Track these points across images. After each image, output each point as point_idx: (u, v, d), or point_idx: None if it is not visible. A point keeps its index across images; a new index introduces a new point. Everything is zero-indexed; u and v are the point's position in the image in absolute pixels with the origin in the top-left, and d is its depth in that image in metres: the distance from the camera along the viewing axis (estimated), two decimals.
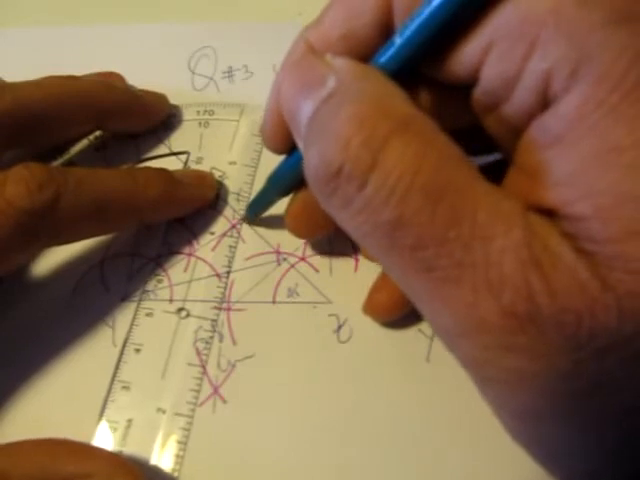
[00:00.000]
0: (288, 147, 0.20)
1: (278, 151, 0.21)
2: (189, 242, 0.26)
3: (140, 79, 0.30)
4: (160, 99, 0.29)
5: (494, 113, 0.16)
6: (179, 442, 0.21)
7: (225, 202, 0.26)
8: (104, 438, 0.21)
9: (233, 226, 0.26)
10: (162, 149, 0.28)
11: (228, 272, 0.25)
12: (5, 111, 0.23)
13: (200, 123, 0.29)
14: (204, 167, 0.27)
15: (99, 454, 0.19)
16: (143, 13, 0.34)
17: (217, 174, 0.27)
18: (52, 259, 0.25)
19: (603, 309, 0.12)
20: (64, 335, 0.23)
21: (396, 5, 0.16)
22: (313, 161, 0.15)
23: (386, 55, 0.16)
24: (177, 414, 0.22)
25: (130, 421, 0.22)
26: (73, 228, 0.22)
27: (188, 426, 0.21)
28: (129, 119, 0.28)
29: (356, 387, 0.22)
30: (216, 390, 0.22)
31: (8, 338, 0.24)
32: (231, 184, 0.27)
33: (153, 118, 0.28)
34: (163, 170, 0.25)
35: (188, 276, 0.25)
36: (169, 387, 0.22)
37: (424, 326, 0.23)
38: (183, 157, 0.28)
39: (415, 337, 0.23)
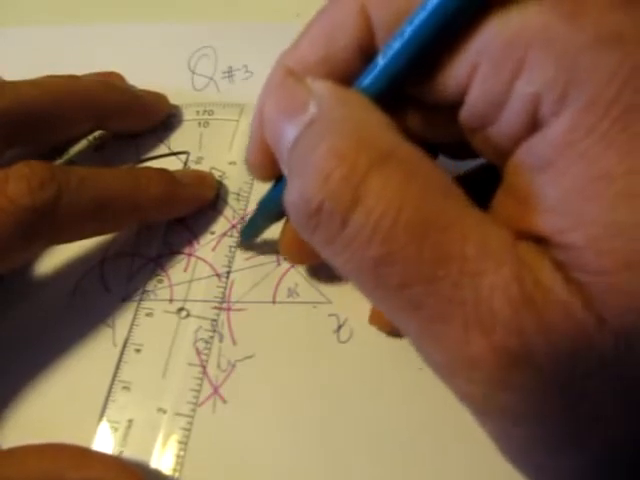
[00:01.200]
0: (275, 174, 0.20)
1: (265, 179, 0.20)
2: (189, 242, 0.26)
3: (140, 79, 0.30)
4: (160, 99, 0.29)
5: (481, 134, 0.15)
6: (180, 442, 0.21)
7: (225, 202, 0.26)
8: (105, 438, 0.21)
9: (233, 226, 0.26)
10: (162, 149, 0.28)
11: (228, 272, 0.25)
12: (5, 110, 0.23)
13: (200, 123, 0.29)
14: (204, 167, 0.27)
15: (101, 459, 0.19)
16: (143, 13, 0.34)
17: (217, 174, 0.27)
18: (52, 259, 0.25)
19: (600, 346, 0.12)
20: (64, 335, 0.23)
21: (377, 26, 0.16)
22: (293, 197, 0.14)
23: (369, 77, 0.16)
24: (178, 414, 0.22)
25: (131, 421, 0.22)
26: (74, 227, 0.22)
27: (189, 426, 0.21)
28: (129, 119, 0.28)
29: (356, 387, 0.22)
30: (216, 390, 0.22)
31: (8, 338, 0.24)
32: (231, 184, 0.27)
33: (153, 118, 0.28)
34: (164, 170, 0.25)
35: (188, 276, 0.25)
36: (170, 387, 0.22)
37: None
38: (183, 157, 0.28)
39: None
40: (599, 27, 0.13)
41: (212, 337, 0.23)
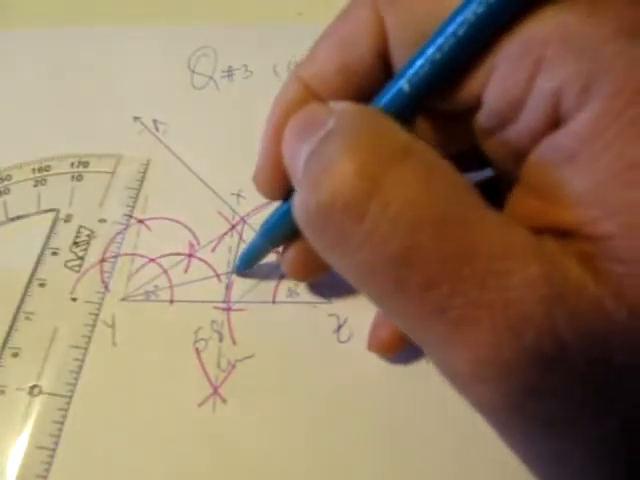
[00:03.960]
0: (282, 193, 0.19)
1: (272, 197, 0.20)
2: (189, 242, 0.26)
3: (140, 78, 0.30)
4: None
5: (497, 135, 0.15)
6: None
7: (225, 203, 0.26)
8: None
9: (233, 226, 0.26)
10: (32, 206, 0.27)
11: (228, 272, 0.25)
12: None
13: (73, 176, 0.28)
14: (73, 225, 0.26)
15: None
16: (144, 14, 0.34)
17: (85, 232, 0.26)
18: (52, 259, 0.25)
19: (634, 337, 0.11)
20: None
21: (391, 33, 0.16)
22: (302, 195, 0.13)
23: (394, 102, 0.15)
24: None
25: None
26: None
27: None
28: None
29: (356, 387, 0.22)
30: (216, 390, 0.22)
31: None
32: (100, 242, 0.26)
33: None
34: None
35: (188, 276, 0.25)
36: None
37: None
38: (52, 215, 0.27)
39: None
40: (619, 21, 0.13)
41: (212, 337, 0.23)
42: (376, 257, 0.13)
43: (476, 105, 0.15)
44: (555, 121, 0.13)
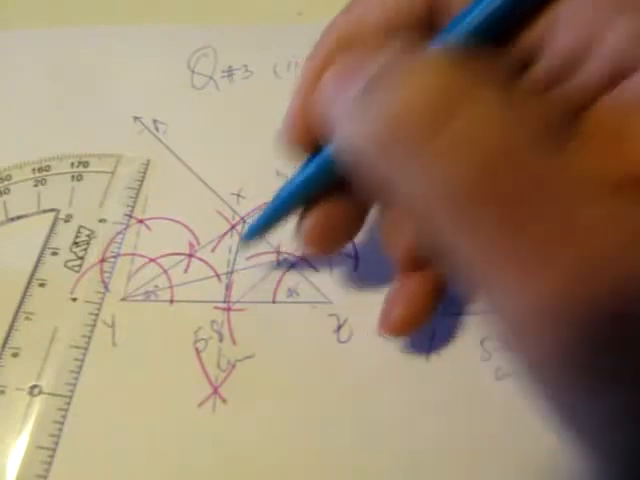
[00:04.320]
0: (308, 145, 0.18)
1: (298, 145, 0.19)
2: (189, 242, 0.26)
3: (140, 78, 0.30)
4: None
5: (556, 89, 0.14)
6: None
7: (225, 203, 0.26)
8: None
9: (233, 226, 0.26)
10: (32, 206, 0.27)
11: (228, 272, 0.25)
12: None
13: (73, 177, 0.28)
14: (73, 225, 0.26)
15: None
16: (143, 15, 0.34)
17: (85, 232, 0.26)
18: (52, 259, 0.25)
19: None
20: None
21: None
22: (372, 110, 0.12)
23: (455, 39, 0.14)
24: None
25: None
26: None
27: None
28: None
29: (356, 387, 0.22)
30: (216, 390, 0.22)
31: None
32: (100, 242, 0.26)
33: None
34: None
35: (188, 276, 0.25)
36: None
37: (424, 326, 0.23)
38: (52, 215, 0.27)
39: (415, 337, 0.23)
40: None
41: (212, 337, 0.23)
42: (449, 178, 0.12)
43: (534, 57, 0.14)
44: (627, 67, 0.13)
